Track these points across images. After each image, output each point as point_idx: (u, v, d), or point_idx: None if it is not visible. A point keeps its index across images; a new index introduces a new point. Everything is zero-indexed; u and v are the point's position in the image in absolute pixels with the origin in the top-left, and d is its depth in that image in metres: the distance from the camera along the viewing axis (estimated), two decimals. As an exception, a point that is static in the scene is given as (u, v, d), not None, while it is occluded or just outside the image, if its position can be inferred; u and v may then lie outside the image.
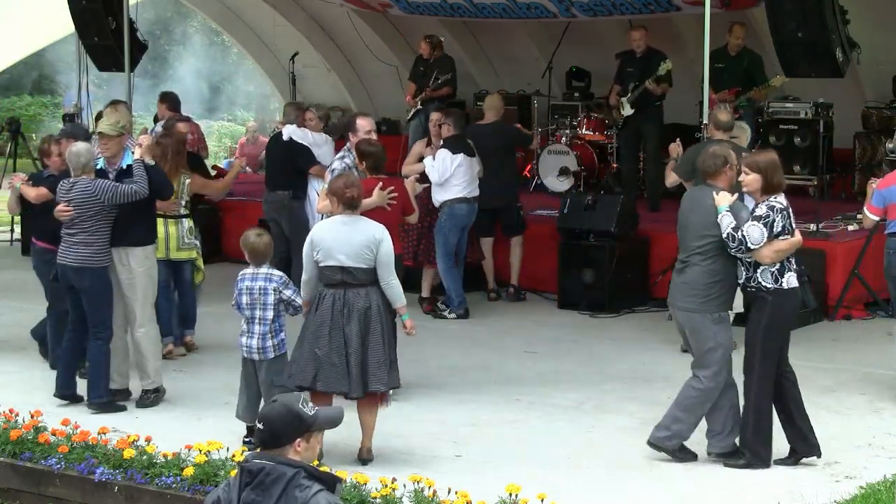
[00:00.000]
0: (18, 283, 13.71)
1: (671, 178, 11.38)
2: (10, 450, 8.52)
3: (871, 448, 8.65)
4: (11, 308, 12.83)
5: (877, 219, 10.17)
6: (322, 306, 8.30)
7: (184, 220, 10.99)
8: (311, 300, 8.45)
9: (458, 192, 12.37)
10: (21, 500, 8.49)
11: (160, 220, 10.54)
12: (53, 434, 8.56)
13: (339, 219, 8.42)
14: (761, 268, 8.13)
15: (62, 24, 17.63)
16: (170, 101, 14.62)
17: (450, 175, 12.31)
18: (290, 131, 12.97)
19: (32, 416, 8.74)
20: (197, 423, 9.30)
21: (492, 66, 19.08)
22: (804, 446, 8.31)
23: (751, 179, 8.25)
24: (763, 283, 8.14)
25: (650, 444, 8.41)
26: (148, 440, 8.33)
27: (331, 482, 4.77)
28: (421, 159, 12.65)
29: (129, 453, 8.14)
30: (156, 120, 14.75)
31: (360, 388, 8.25)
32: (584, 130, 15.86)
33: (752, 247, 8.03)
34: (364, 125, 10.27)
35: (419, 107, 15.90)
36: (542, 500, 7.19)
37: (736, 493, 7.82)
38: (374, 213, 9.22)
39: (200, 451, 7.98)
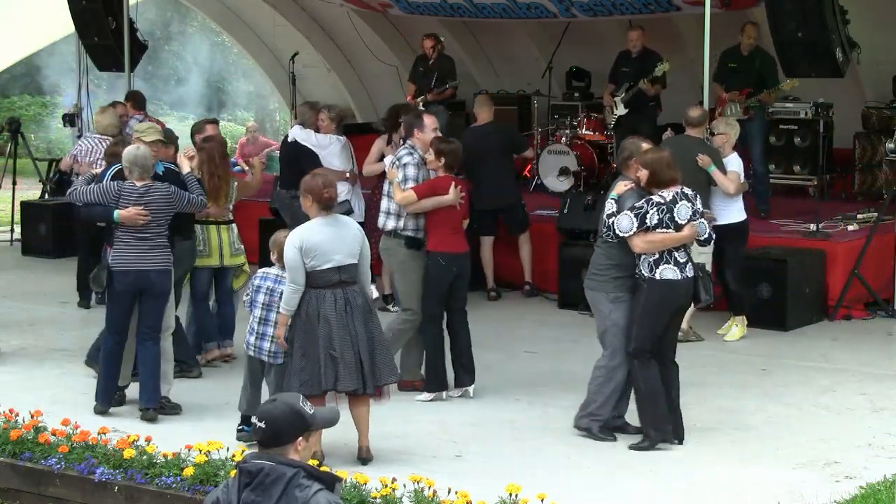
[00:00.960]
0: (19, 283, 13.72)
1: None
2: (10, 450, 8.52)
3: (871, 448, 8.65)
4: (12, 308, 12.83)
5: None
6: (324, 308, 8.24)
7: (233, 225, 10.89)
8: (292, 312, 8.34)
9: None
10: (21, 500, 8.49)
11: (212, 228, 10.61)
12: (53, 434, 8.56)
13: (322, 221, 8.34)
14: (642, 258, 8.58)
15: (62, 24, 17.63)
16: (135, 99, 14.73)
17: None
18: (294, 133, 12.99)
19: (32, 416, 8.73)
20: (197, 424, 9.30)
21: (492, 66, 19.07)
22: (670, 434, 8.71)
23: (642, 174, 8.65)
24: (642, 272, 8.60)
25: (575, 426, 8.90)
26: (148, 440, 8.33)
27: (330, 482, 4.77)
28: (381, 158, 12.63)
29: (129, 453, 8.14)
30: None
31: (372, 384, 8.30)
32: (584, 130, 15.86)
33: (621, 234, 8.54)
34: (430, 123, 10.12)
35: (421, 108, 15.87)
36: (542, 500, 7.19)
37: (736, 493, 7.82)
38: (442, 212, 9.49)
39: (200, 451, 7.98)
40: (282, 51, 20.34)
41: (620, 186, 8.73)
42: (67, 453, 8.31)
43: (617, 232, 8.53)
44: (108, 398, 9.50)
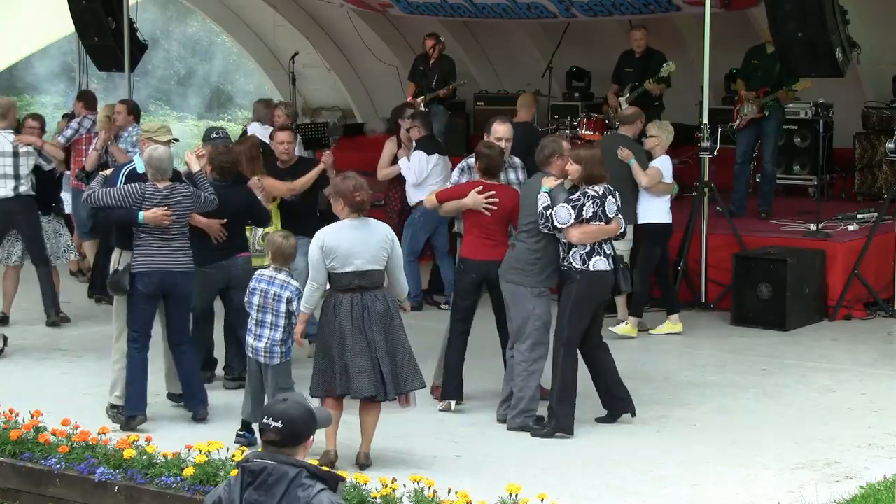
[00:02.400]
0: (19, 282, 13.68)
1: None
2: (10, 450, 8.52)
3: (871, 448, 8.65)
4: (12, 308, 12.81)
5: None
6: (341, 313, 8.20)
7: (257, 227, 10.82)
8: (312, 310, 8.38)
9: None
10: (21, 500, 8.49)
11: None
12: (53, 434, 8.56)
13: (349, 223, 8.29)
14: (573, 250, 8.86)
15: (62, 24, 17.62)
16: (86, 99, 14.82)
17: (426, 175, 12.43)
18: (253, 129, 13.06)
19: (32, 416, 8.74)
20: (197, 423, 9.30)
21: (492, 66, 19.08)
22: (621, 404, 9.17)
23: (573, 169, 8.94)
24: (573, 264, 8.87)
25: (509, 428, 9.03)
26: (148, 440, 8.33)
27: (333, 481, 4.77)
28: (395, 160, 12.68)
29: (129, 453, 8.14)
30: (72, 117, 14.89)
31: (392, 390, 8.23)
32: (584, 130, 15.82)
33: (560, 225, 8.80)
34: (496, 130, 9.89)
35: (422, 108, 15.87)
36: (542, 500, 7.19)
37: (735, 493, 7.82)
38: (471, 218, 9.48)
39: (200, 451, 7.98)
40: (282, 51, 20.34)
41: (550, 181, 8.98)
42: (67, 453, 8.31)
43: (555, 223, 8.79)
44: (139, 406, 9.34)
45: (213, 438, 8.23)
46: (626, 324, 11.75)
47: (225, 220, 9.80)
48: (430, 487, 7.40)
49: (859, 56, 12.27)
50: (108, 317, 12.59)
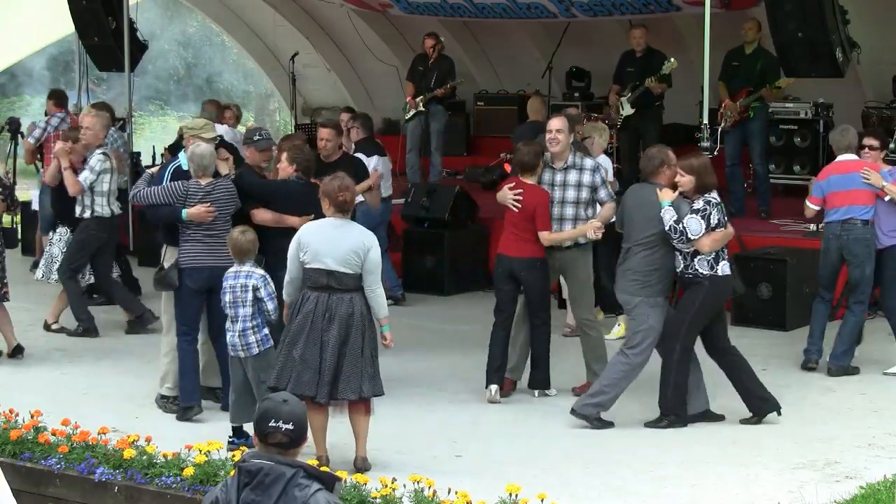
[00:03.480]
0: (19, 283, 13.68)
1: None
2: (10, 450, 8.53)
3: (871, 448, 8.65)
4: (12, 308, 12.80)
5: (817, 208, 10.64)
6: (304, 308, 8.22)
7: None
8: (294, 301, 8.38)
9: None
10: (21, 500, 8.45)
11: None
12: (53, 434, 8.57)
13: (330, 222, 8.34)
14: (698, 257, 8.97)
15: (62, 24, 17.62)
16: (56, 97, 15.03)
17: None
18: (221, 130, 13.16)
19: (32, 416, 8.74)
20: (197, 423, 9.30)
21: (492, 66, 19.07)
22: (766, 405, 9.21)
23: (685, 181, 9.04)
24: (700, 271, 8.99)
25: (573, 412, 9.11)
26: (148, 440, 8.33)
27: (330, 481, 4.77)
28: None
29: (129, 453, 8.14)
30: (46, 114, 15.00)
31: (327, 394, 8.13)
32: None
33: (693, 237, 8.89)
34: (550, 123, 10.09)
35: (420, 108, 15.88)
36: (542, 500, 7.19)
37: (735, 493, 7.82)
38: (505, 214, 9.70)
39: (200, 451, 7.98)
40: (282, 51, 20.35)
41: (668, 193, 9.02)
42: (67, 453, 8.32)
43: (689, 236, 8.88)
44: (194, 397, 9.40)
45: (213, 438, 8.23)
46: (619, 326, 11.74)
47: (313, 216, 9.54)
48: (430, 487, 7.40)
49: (859, 56, 12.27)
50: (108, 317, 12.67)
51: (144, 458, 8.12)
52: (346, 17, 18.88)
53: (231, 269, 8.82)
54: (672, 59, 14.26)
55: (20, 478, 8.46)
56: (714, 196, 9.02)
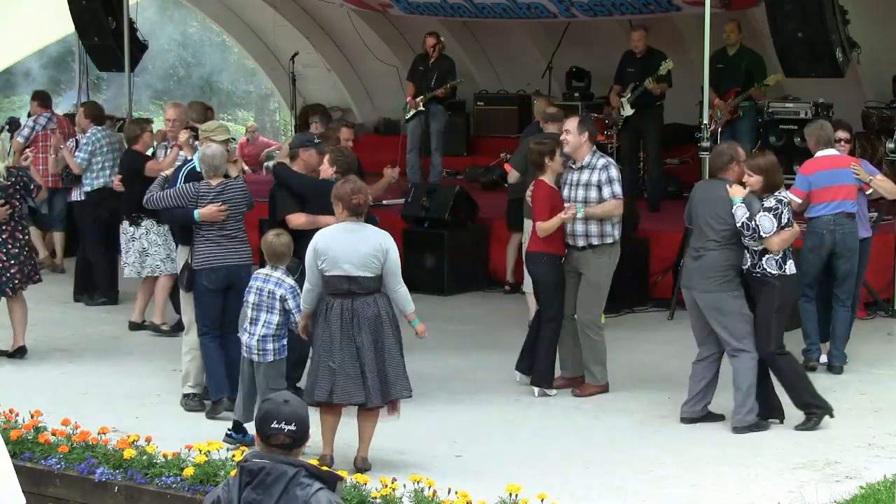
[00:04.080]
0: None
1: (512, 175, 12.04)
2: (10, 450, 8.47)
3: (871, 448, 8.66)
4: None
5: (800, 201, 10.49)
6: (330, 317, 8.16)
7: None
8: (313, 310, 8.34)
9: None
10: (21, 500, 8.49)
11: None
12: (53, 434, 8.57)
13: (345, 226, 8.26)
14: (766, 256, 8.97)
15: (62, 24, 17.62)
16: (41, 98, 15.17)
17: None
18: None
19: (32, 416, 8.74)
20: (197, 423, 9.30)
21: (492, 66, 19.07)
22: (821, 411, 9.14)
23: (754, 181, 9.05)
24: (768, 270, 8.99)
25: (735, 430, 8.99)
26: (148, 440, 8.33)
27: (332, 481, 4.77)
28: None
29: (129, 453, 8.14)
30: (28, 115, 15.06)
31: (379, 396, 8.15)
32: (583, 131, 15.83)
33: (765, 235, 8.89)
34: (565, 123, 10.33)
35: (421, 108, 15.89)
36: (542, 500, 7.19)
37: (735, 493, 7.82)
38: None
39: (200, 451, 7.98)
40: (282, 51, 20.34)
41: (739, 190, 9.05)
42: (67, 453, 8.32)
43: (761, 233, 8.90)
44: (222, 389, 9.41)
45: (213, 438, 8.23)
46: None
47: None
48: (430, 487, 7.40)
49: (859, 56, 12.26)
50: (106, 317, 12.69)
51: (144, 458, 8.12)
52: (346, 17, 18.88)
53: (262, 271, 8.73)
54: (669, 60, 14.26)
55: (20, 478, 8.41)
56: (784, 195, 9.10)
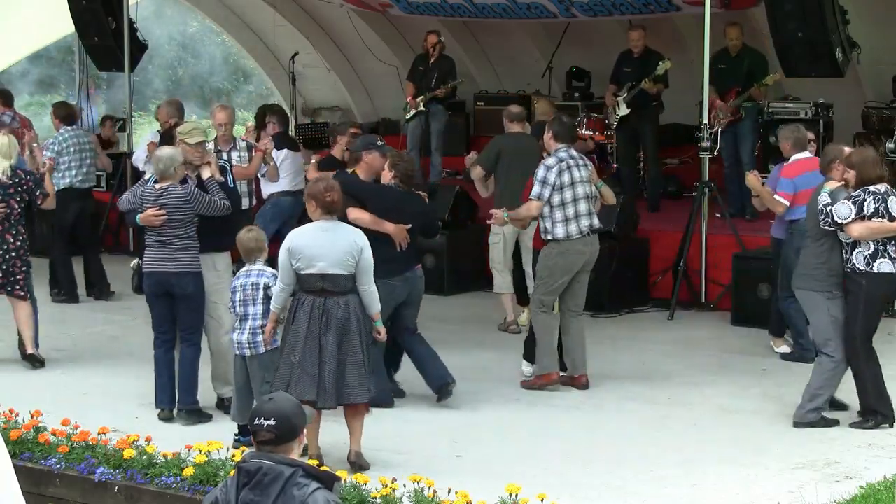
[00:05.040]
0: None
1: (475, 172, 11.98)
2: (10, 450, 8.46)
3: (871, 448, 8.65)
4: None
5: (787, 203, 10.56)
6: (300, 313, 8.20)
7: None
8: (285, 307, 8.37)
9: (283, 185, 12.78)
10: (21, 500, 8.49)
11: None
12: (53, 434, 8.56)
13: (319, 225, 8.29)
14: (856, 251, 8.88)
15: (62, 24, 17.62)
16: (3, 96, 15.24)
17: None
18: (153, 136, 13.42)
19: (32, 416, 8.74)
20: (197, 423, 9.29)
21: (492, 66, 19.06)
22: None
23: (850, 176, 9.01)
24: (857, 266, 8.89)
25: (796, 425, 9.02)
26: (148, 440, 8.33)
27: (329, 481, 4.77)
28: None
29: (129, 453, 8.14)
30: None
31: (333, 399, 8.13)
32: (584, 130, 15.82)
33: (839, 220, 8.79)
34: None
35: (421, 108, 15.88)
36: (542, 500, 7.19)
37: (736, 493, 7.82)
38: None
39: (200, 451, 7.98)
40: (282, 51, 20.33)
41: (832, 183, 9.11)
42: (67, 453, 8.31)
43: (835, 218, 8.82)
44: (165, 399, 9.45)
45: (213, 438, 8.23)
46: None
47: (410, 226, 9.58)
48: (430, 487, 7.40)
49: (859, 56, 12.27)
50: (106, 317, 12.68)
51: (144, 458, 8.12)
52: (346, 17, 18.87)
53: (242, 270, 8.81)
54: (666, 60, 14.24)
55: (20, 478, 8.40)
56: (878, 187, 8.84)
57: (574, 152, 10.28)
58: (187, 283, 9.34)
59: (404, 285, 9.54)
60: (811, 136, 11.10)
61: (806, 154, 10.73)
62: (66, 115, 13.59)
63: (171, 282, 9.32)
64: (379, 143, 10.10)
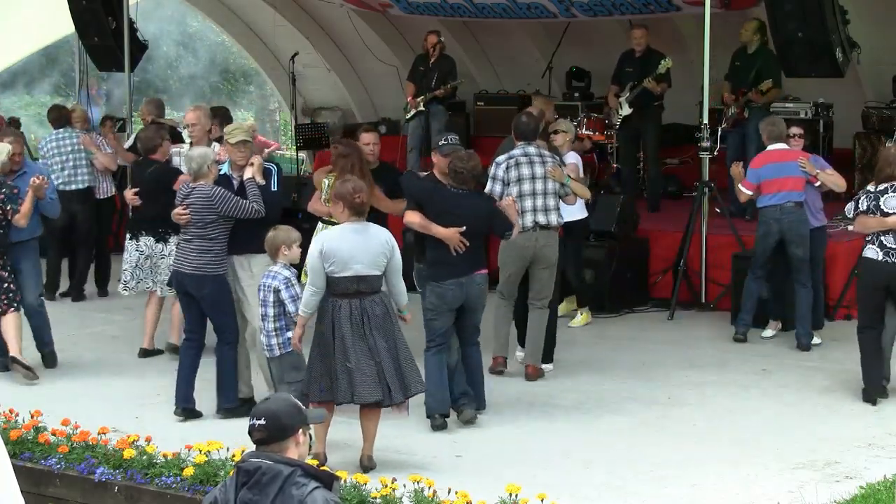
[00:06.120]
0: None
1: None
2: (10, 450, 8.47)
3: (871, 448, 8.65)
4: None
5: (750, 193, 11.32)
6: (341, 318, 8.13)
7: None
8: (312, 313, 8.34)
9: None
10: (21, 500, 8.48)
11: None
12: (53, 434, 8.57)
13: (350, 227, 8.24)
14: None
15: (62, 24, 17.62)
16: None
17: None
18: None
19: (32, 416, 8.74)
20: (197, 424, 9.30)
21: (492, 66, 19.06)
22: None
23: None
24: (862, 253, 9.77)
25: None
26: (148, 440, 8.33)
27: (328, 480, 4.78)
28: None
29: (129, 453, 8.14)
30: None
31: (400, 393, 8.17)
32: (584, 130, 15.81)
33: (848, 216, 9.89)
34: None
35: (421, 108, 15.88)
36: (542, 500, 7.19)
37: (735, 493, 7.82)
38: None
39: (200, 451, 7.98)
40: (282, 51, 20.32)
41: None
42: (67, 453, 8.32)
43: (846, 214, 9.94)
44: (178, 397, 9.47)
45: (213, 438, 8.23)
46: (580, 314, 12.16)
47: (464, 229, 9.12)
48: (430, 487, 7.40)
49: (859, 56, 12.26)
50: (105, 317, 12.68)
51: (144, 458, 8.12)
52: (346, 17, 18.86)
53: (273, 268, 8.81)
54: (667, 58, 14.23)
55: (20, 478, 8.40)
56: (882, 186, 9.51)
57: (532, 149, 10.27)
58: (201, 284, 9.31)
59: (457, 290, 9.12)
60: (797, 130, 11.47)
61: (779, 146, 11.27)
62: (54, 118, 13.65)
63: (185, 282, 9.36)
64: (441, 142, 9.70)
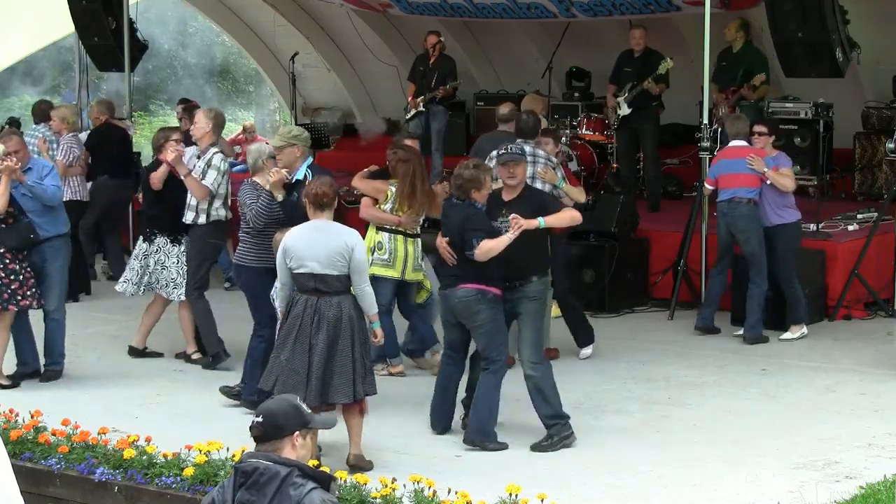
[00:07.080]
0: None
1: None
2: (10, 450, 8.47)
3: (871, 448, 8.65)
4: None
5: (711, 188, 11.81)
6: (293, 312, 8.21)
7: (418, 239, 10.38)
8: (286, 305, 8.39)
9: None
10: (21, 501, 8.48)
11: (399, 238, 10.22)
12: (53, 434, 8.57)
13: (312, 224, 8.30)
14: None
15: (62, 24, 17.63)
16: None
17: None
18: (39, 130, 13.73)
19: (32, 416, 8.74)
20: (197, 424, 9.29)
21: (492, 66, 19.07)
22: None
23: None
24: None
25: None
26: (148, 440, 8.33)
27: (325, 481, 4.78)
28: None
29: (129, 453, 8.14)
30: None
31: (317, 397, 8.06)
32: (584, 130, 15.84)
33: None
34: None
35: (421, 108, 15.88)
36: (542, 500, 7.19)
37: (735, 493, 7.82)
38: None
39: (200, 451, 7.98)
40: (282, 51, 20.34)
41: None
42: (67, 453, 8.32)
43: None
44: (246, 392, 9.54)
45: (213, 438, 8.23)
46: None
47: (447, 239, 8.86)
48: (430, 487, 7.40)
49: (859, 56, 12.26)
50: (105, 317, 12.68)
51: (144, 458, 8.12)
52: (346, 17, 18.88)
53: None
54: (668, 59, 14.24)
55: (20, 478, 8.39)
56: None
57: (528, 148, 10.23)
58: (238, 273, 9.80)
59: (443, 301, 9.00)
60: (760, 129, 11.65)
61: (737, 143, 11.62)
62: (34, 112, 13.76)
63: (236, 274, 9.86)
64: (504, 150, 9.25)
